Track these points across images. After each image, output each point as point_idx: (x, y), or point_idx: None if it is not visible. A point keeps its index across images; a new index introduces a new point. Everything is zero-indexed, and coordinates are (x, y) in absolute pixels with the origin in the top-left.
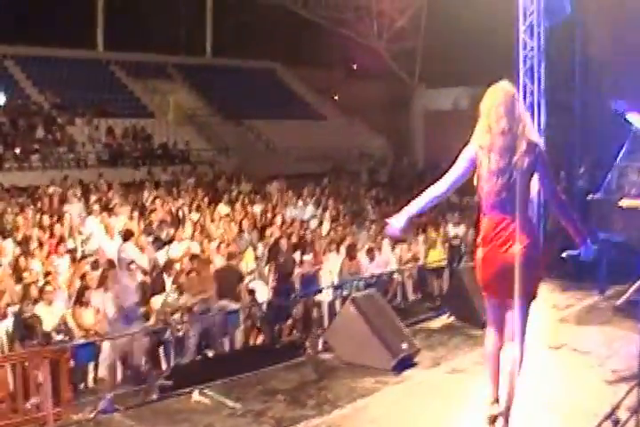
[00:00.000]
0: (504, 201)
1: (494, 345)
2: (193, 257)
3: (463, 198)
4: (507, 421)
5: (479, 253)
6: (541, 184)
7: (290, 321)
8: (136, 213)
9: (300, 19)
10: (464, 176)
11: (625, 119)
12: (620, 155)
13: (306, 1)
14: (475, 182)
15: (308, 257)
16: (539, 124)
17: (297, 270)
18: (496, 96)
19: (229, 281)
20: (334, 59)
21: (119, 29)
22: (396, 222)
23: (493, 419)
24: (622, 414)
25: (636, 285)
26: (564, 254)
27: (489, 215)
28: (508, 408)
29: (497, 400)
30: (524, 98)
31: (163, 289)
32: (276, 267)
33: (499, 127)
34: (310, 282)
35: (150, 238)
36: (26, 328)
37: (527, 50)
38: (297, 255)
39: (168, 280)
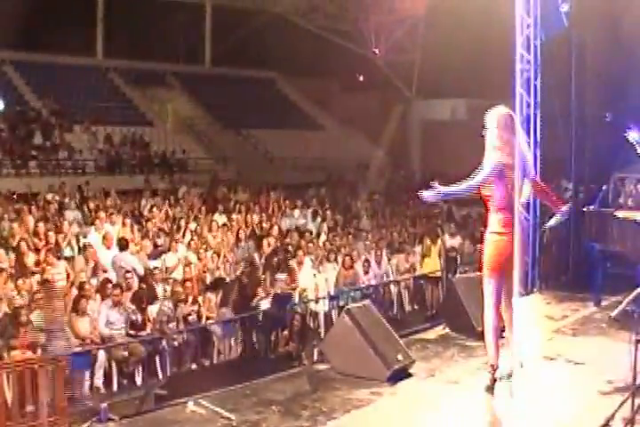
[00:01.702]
0: (514, 204)
1: (497, 321)
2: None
3: (461, 210)
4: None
5: (498, 240)
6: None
7: (286, 332)
8: (133, 222)
9: (300, 29)
10: (485, 183)
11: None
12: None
13: (305, 12)
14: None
15: (282, 276)
16: (534, 136)
17: (274, 289)
18: (501, 121)
19: (232, 290)
20: (333, 69)
21: (119, 37)
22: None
23: (493, 382)
24: (617, 425)
25: (632, 295)
26: (546, 225)
27: (507, 214)
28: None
29: (497, 367)
30: (521, 110)
31: (157, 298)
32: (237, 292)
33: (509, 148)
34: (284, 301)
35: (148, 247)
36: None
37: (524, 62)
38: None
39: (160, 289)
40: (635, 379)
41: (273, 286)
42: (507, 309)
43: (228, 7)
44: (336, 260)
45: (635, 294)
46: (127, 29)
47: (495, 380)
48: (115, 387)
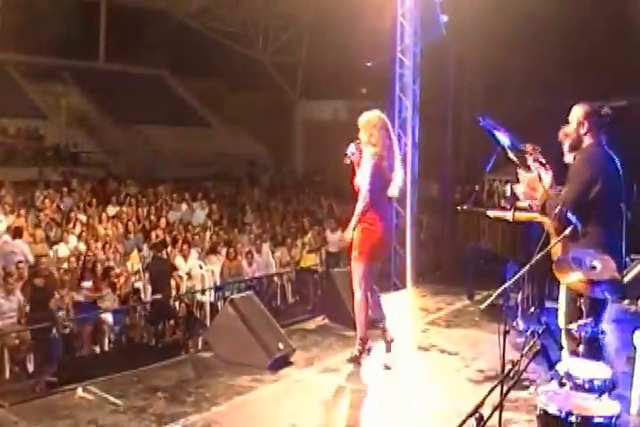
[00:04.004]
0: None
1: (367, 300)
2: None
3: (342, 206)
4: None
5: (366, 228)
6: None
7: (173, 321)
8: (26, 212)
9: (190, 29)
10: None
11: (493, 137)
12: (489, 168)
13: (196, 12)
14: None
15: (88, 284)
16: (412, 138)
17: (77, 297)
18: (379, 122)
19: (160, 275)
20: (221, 69)
21: (14, 31)
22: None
23: (360, 353)
24: (486, 411)
25: (499, 290)
26: None
27: (378, 205)
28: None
29: (367, 340)
30: (399, 112)
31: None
32: (31, 294)
33: (382, 145)
34: (88, 309)
35: (40, 237)
36: None
37: (403, 68)
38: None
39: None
40: (503, 367)
41: (78, 294)
42: (373, 292)
43: (122, 5)
44: (220, 252)
45: (502, 288)
46: (22, 23)
47: (362, 352)
48: (6, 374)
